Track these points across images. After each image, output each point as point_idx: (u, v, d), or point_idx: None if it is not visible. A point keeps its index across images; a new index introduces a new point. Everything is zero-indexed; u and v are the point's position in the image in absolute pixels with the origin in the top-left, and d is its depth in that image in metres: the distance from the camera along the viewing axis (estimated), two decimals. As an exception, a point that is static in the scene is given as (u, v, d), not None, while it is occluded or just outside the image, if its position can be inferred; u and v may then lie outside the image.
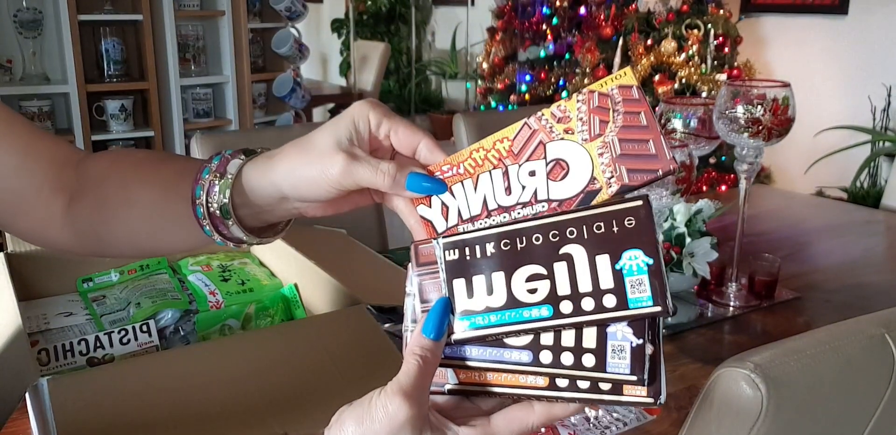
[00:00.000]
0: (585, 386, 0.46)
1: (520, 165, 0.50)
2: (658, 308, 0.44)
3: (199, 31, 2.84)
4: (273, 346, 0.80)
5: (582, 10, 3.28)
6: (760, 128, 1.27)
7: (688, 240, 1.37)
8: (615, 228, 0.46)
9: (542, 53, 3.45)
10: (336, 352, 0.81)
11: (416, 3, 5.35)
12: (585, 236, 0.47)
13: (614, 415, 0.99)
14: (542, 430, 0.93)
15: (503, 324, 0.48)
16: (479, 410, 0.52)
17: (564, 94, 3.30)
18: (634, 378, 0.45)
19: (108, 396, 0.69)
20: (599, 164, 0.48)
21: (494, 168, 0.51)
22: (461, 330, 0.49)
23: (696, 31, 2.97)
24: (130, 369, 0.73)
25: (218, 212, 0.57)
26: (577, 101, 0.49)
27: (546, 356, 0.47)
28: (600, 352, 0.46)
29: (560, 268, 0.46)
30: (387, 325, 1.18)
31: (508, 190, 0.50)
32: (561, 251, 0.47)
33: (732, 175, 2.94)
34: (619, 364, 0.45)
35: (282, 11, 2.84)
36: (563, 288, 0.46)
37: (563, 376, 0.47)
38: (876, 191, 2.93)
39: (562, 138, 0.49)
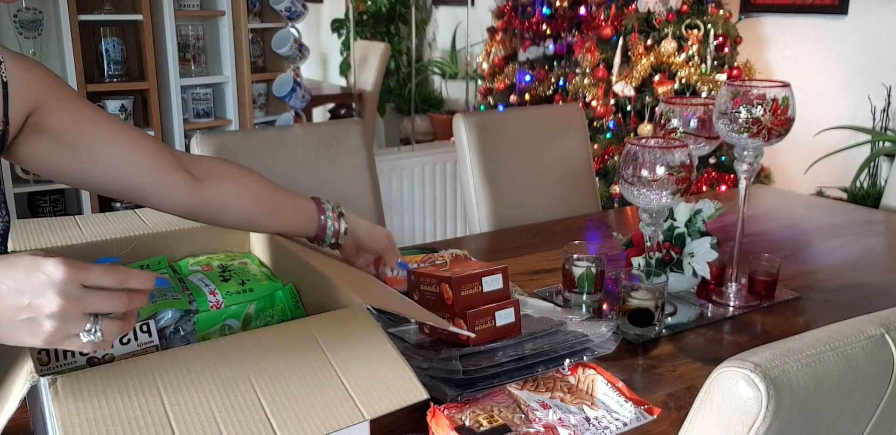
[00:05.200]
0: None
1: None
2: None
3: (199, 31, 2.84)
4: (272, 346, 0.80)
5: (582, 10, 3.28)
6: (760, 128, 1.27)
7: (688, 240, 1.37)
8: None
9: (542, 53, 3.45)
10: (336, 352, 0.81)
11: (416, 3, 5.35)
12: None
13: (613, 415, 0.99)
14: (543, 430, 0.93)
15: None
16: None
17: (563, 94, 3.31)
18: None
19: (108, 396, 0.69)
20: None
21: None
22: None
23: (696, 31, 2.97)
24: (130, 369, 0.73)
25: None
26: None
27: None
28: None
29: None
30: (390, 329, 1.18)
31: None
32: None
33: (732, 175, 2.94)
34: None
35: (282, 11, 2.84)
36: None
37: None
38: (876, 191, 2.93)
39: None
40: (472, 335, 1.06)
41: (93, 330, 0.65)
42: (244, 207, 1.02)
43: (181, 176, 0.96)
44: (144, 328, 0.89)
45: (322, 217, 1.08)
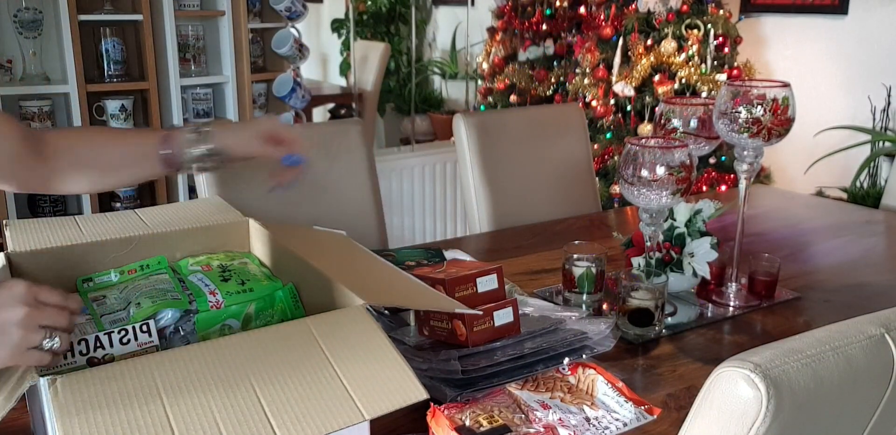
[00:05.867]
0: None
1: None
2: None
3: (199, 31, 2.84)
4: (272, 346, 0.80)
5: (582, 10, 3.28)
6: (760, 128, 1.27)
7: (688, 240, 1.37)
8: None
9: (542, 53, 3.45)
10: (336, 352, 0.81)
11: (416, 3, 5.35)
12: None
13: (613, 415, 0.99)
14: (543, 430, 0.93)
15: None
16: None
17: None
18: None
19: (108, 396, 0.69)
20: None
21: None
22: None
23: (696, 31, 2.97)
24: (130, 369, 0.73)
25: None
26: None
27: None
28: None
29: None
30: (389, 333, 1.18)
31: None
32: None
33: (732, 175, 2.94)
34: None
35: (282, 11, 2.84)
36: None
37: None
38: (876, 191, 2.93)
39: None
40: (480, 313, 1.07)
41: (51, 337, 0.74)
42: (87, 174, 1.06)
43: (34, 158, 1.01)
44: (144, 328, 0.89)
45: (164, 151, 1.05)
